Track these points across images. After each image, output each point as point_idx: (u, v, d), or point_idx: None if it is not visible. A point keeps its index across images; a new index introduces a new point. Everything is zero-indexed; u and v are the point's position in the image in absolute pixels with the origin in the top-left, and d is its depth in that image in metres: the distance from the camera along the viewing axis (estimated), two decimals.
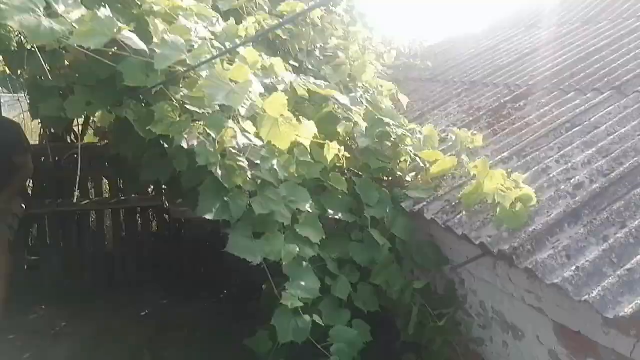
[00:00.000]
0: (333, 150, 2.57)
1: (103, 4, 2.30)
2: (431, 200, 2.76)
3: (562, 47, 4.29)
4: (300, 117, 2.35)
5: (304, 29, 3.76)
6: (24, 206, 4.37)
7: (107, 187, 5.74)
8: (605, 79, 3.29)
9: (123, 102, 2.12)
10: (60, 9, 1.54)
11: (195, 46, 1.84)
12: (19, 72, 2.65)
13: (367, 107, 3.24)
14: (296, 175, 2.60)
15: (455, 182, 2.86)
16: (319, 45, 3.98)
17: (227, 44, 2.48)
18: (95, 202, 5.50)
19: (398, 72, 5.57)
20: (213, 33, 2.51)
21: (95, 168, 5.37)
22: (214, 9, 3.00)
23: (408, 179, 3.12)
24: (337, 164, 2.87)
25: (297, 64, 3.67)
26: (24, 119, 5.31)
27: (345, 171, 3.01)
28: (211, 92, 1.74)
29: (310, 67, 3.68)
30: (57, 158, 5.22)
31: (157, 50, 1.71)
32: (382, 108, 3.28)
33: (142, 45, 1.71)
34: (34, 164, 4.44)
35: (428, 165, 3.03)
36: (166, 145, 2.41)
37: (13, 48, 1.93)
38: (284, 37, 3.58)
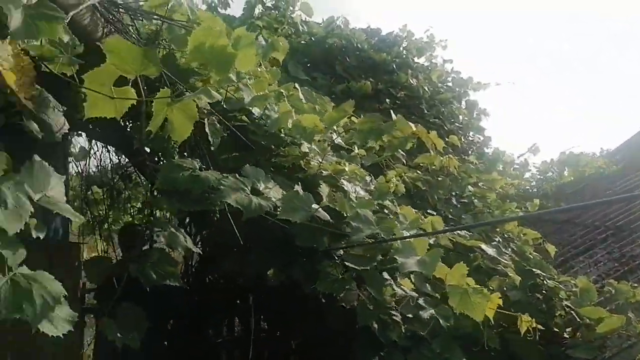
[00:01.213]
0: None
1: (272, 169, 2.63)
2: None
3: None
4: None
5: (440, 179, 3.90)
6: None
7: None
8: None
9: (293, 261, 2.28)
10: (261, 187, 1.78)
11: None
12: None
13: (512, 256, 3.18)
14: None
15: (623, 342, 2.62)
16: (454, 193, 4.06)
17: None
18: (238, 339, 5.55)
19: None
20: (368, 191, 2.71)
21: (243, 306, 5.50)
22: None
23: (565, 335, 2.92)
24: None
25: (434, 213, 3.75)
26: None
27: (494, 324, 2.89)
28: (404, 261, 1.85)
29: (449, 215, 3.73)
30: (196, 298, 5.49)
31: (352, 223, 1.88)
32: (529, 258, 3.20)
33: (327, 217, 1.90)
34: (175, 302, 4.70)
35: (588, 321, 2.83)
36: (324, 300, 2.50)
37: (216, 219, 2.21)
38: (422, 188, 3.72)
